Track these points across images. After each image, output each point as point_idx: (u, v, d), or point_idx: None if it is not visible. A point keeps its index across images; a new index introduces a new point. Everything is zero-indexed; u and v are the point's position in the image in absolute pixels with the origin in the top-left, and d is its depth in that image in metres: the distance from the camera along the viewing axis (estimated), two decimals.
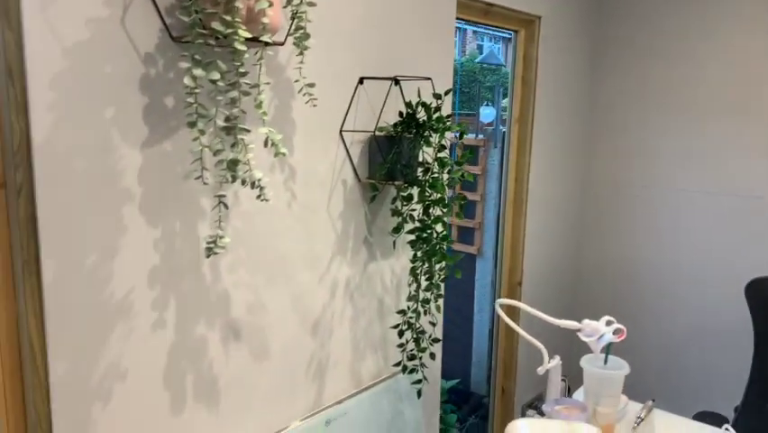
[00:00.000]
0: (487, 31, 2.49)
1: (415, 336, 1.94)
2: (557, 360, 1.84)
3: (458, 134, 1.91)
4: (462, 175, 1.90)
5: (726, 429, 1.80)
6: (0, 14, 1.14)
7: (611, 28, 3.10)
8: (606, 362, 1.81)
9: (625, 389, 1.82)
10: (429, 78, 1.97)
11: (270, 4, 1.29)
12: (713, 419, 1.96)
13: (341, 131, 1.84)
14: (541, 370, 1.83)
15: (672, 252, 3.03)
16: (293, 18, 1.48)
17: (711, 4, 2.79)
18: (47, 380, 1.26)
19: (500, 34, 2.79)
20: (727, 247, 2.89)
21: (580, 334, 1.78)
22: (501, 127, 4.26)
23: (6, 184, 1.21)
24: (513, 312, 2.89)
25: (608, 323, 1.77)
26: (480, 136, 4.48)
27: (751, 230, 2.81)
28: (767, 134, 2.72)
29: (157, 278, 1.42)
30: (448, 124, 1.87)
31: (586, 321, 1.77)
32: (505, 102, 2.77)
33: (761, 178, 2.76)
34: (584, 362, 1.81)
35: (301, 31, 1.46)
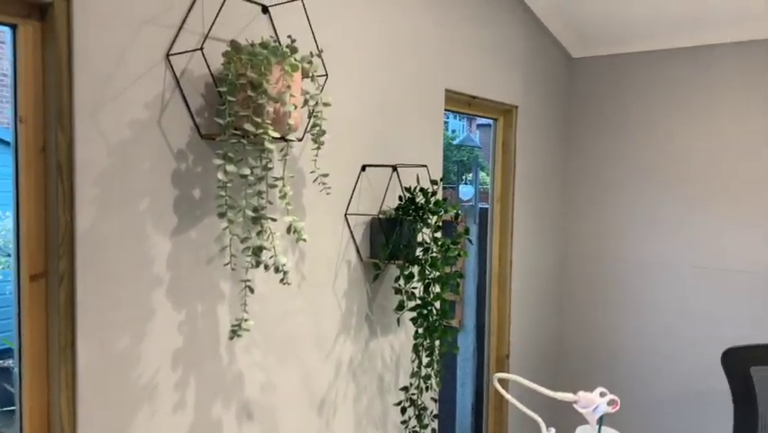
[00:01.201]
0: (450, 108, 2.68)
1: (417, 412, 2.00)
2: (553, 431, 1.92)
3: (455, 215, 2.06)
4: (459, 254, 2.03)
5: None
6: (55, 119, 1.25)
7: (581, 112, 3.37)
8: None
9: None
10: (425, 166, 2.13)
11: (295, 107, 1.43)
12: None
13: (346, 214, 1.96)
14: None
15: (650, 322, 3.18)
16: (310, 117, 1.63)
17: (672, 82, 3.08)
18: None
19: (465, 114, 2.98)
20: (704, 317, 3.05)
21: (576, 405, 1.87)
22: (480, 204, 4.47)
23: (48, 273, 1.28)
24: (502, 384, 2.96)
25: (602, 394, 1.87)
26: (460, 212, 4.68)
27: (727, 301, 2.99)
28: (741, 207, 2.95)
29: (179, 359, 1.48)
30: (445, 206, 2.01)
31: (581, 393, 1.87)
32: (482, 175, 2.96)
33: (738, 250, 2.97)
34: None
35: (318, 128, 1.61)
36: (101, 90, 1.30)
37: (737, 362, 2.54)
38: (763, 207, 2.89)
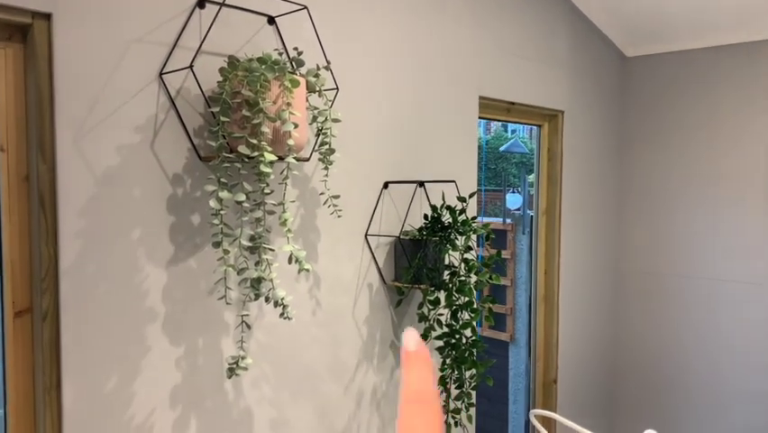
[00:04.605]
0: None
1: None
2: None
3: (484, 236, 1.89)
4: (491, 277, 1.86)
5: None
6: (35, 148, 1.18)
7: (635, 115, 3.10)
8: None
9: None
10: (453, 181, 1.97)
11: (296, 126, 1.31)
12: None
13: (366, 235, 1.83)
14: None
15: (711, 346, 2.88)
16: (318, 134, 1.50)
17: (736, 80, 2.79)
18: None
19: (503, 122, 2.80)
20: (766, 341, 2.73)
21: None
22: (529, 211, 4.23)
23: (33, 309, 1.21)
24: (544, 422, 2.74)
25: None
26: (508, 221, 4.46)
27: None
28: None
29: (178, 398, 1.39)
30: (474, 226, 1.85)
31: None
32: (531, 178, 2.75)
33: None
34: None
35: (326, 146, 1.49)
36: (86, 115, 1.22)
37: None
38: None
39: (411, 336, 0.37)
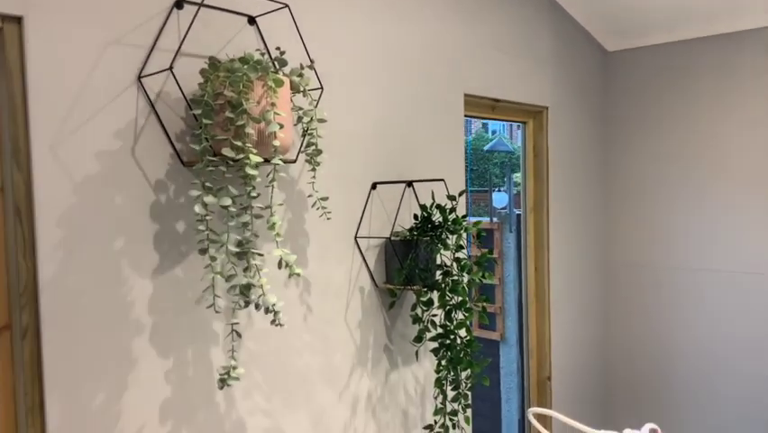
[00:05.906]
0: None
1: None
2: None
3: (474, 234, 1.86)
4: (483, 275, 1.83)
5: None
6: (10, 155, 1.13)
7: (618, 109, 3.11)
8: None
9: None
10: (442, 180, 1.95)
11: (281, 126, 1.28)
12: None
13: (356, 237, 1.80)
14: None
15: (702, 337, 2.89)
16: (304, 135, 1.47)
17: (717, 70, 2.80)
18: None
19: (489, 119, 2.80)
20: (758, 330, 2.75)
21: None
22: (515, 210, 4.22)
23: (12, 326, 1.16)
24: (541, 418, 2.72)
25: (652, 431, 1.64)
26: (495, 220, 4.45)
27: None
28: None
29: (169, 412, 1.34)
30: (464, 224, 1.82)
31: (627, 431, 1.64)
32: (516, 177, 2.73)
33: None
34: None
35: (312, 147, 1.45)
36: (62, 121, 1.17)
37: None
38: None
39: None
